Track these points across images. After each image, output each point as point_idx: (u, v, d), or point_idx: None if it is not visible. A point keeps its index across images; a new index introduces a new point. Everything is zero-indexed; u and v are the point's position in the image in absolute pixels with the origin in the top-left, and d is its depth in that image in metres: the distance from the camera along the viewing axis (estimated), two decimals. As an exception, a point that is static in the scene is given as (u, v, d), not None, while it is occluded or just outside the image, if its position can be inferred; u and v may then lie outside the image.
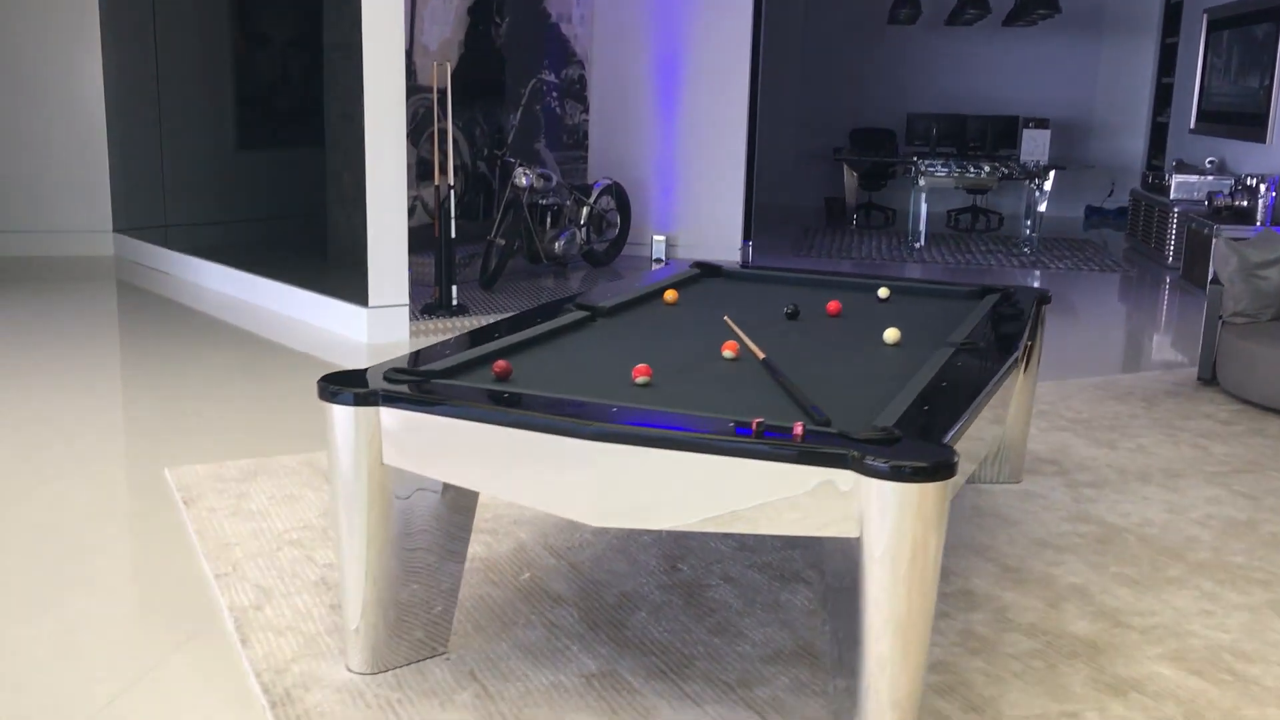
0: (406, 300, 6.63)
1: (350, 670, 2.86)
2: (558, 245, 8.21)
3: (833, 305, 3.84)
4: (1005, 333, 3.50)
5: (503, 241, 7.74)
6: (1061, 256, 10.59)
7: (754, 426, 2.41)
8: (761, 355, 3.12)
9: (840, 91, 14.18)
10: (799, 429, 2.40)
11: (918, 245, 10.76)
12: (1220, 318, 5.84)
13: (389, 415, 2.68)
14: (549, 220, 8.18)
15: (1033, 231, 10.96)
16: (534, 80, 8.92)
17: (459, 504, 2.92)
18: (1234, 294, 5.73)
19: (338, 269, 8.08)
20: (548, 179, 8.02)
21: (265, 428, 4.88)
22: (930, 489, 2.27)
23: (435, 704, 2.71)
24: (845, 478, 2.32)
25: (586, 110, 9.54)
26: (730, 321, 3.60)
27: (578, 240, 8.39)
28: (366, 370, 2.83)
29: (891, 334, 3.41)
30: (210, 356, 6.10)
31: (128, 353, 6.15)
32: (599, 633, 3.08)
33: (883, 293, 4.14)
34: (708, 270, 4.58)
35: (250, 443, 4.66)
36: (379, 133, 6.32)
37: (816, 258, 10.26)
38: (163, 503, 3.99)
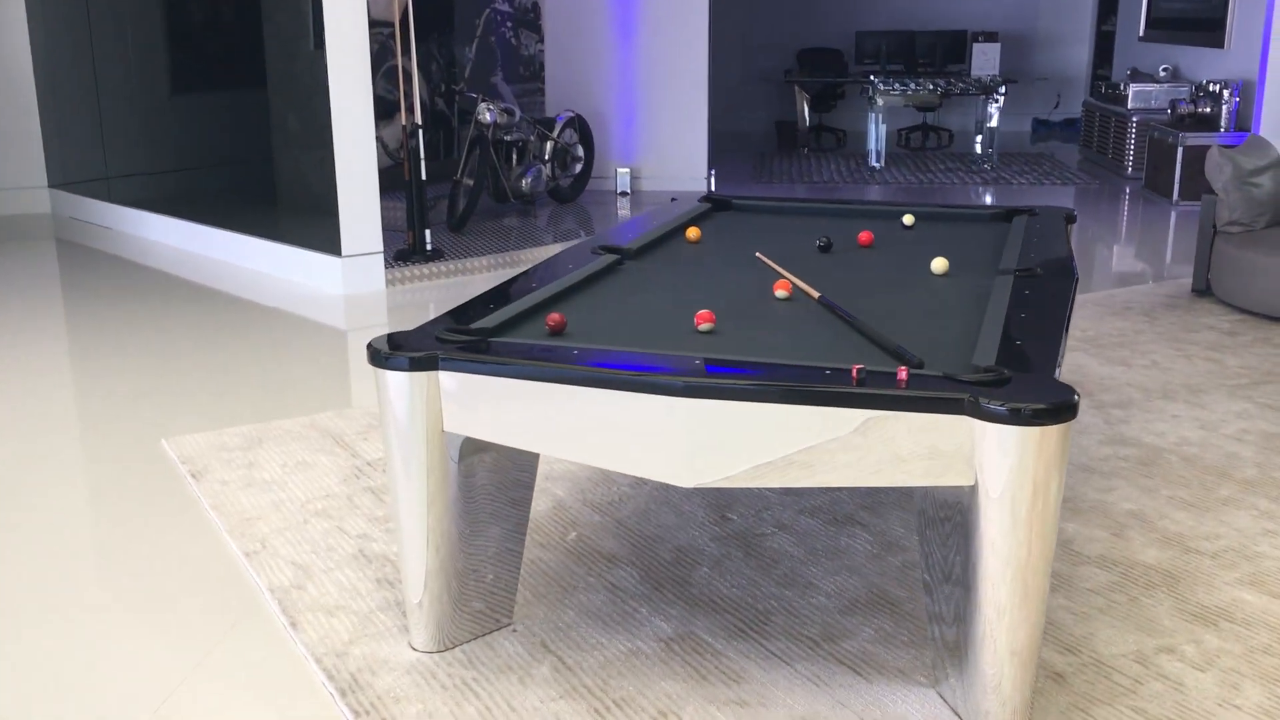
0: (381, 248, 6.37)
1: (415, 649, 2.70)
2: (525, 182, 7.96)
3: (864, 235, 3.69)
4: (1056, 256, 3.39)
5: (470, 181, 7.47)
6: (1021, 171, 10.54)
7: (854, 373, 2.27)
8: (816, 294, 2.97)
9: (787, 11, 13.92)
10: (903, 374, 2.26)
11: (876, 166, 10.64)
12: (1215, 228, 5.80)
13: (449, 379, 2.49)
14: (514, 157, 7.91)
15: (989, 147, 10.89)
16: (487, 10, 8.58)
17: (521, 466, 2.76)
18: (1229, 203, 5.69)
19: (290, 216, 7.75)
20: (511, 114, 7.74)
21: (256, 390, 4.64)
22: (1053, 431, 2.15)
23: (514, 680, 2.57)
24: (960, 424, 2.19)
25: (542, 40, 9.22)
26: (765, 258, 3.44)
27: (544, 176, 8.14)
28: (416, 331, 2.63)
29: (940, 264, 3.27)
30: (176, 317, 5.81)
31: (83, 318, 5.83)
32: (664, 592, 2.95)
33: (907, 220, 4.00)
34: (718, 203, 4.40)
35: (244, 407, 4.43)
36: (343, 70, 6.01)
37: (777, 183, 10.10)
38: (169, 477, 3.77)
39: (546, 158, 8.19)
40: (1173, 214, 8.43)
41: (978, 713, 2.34)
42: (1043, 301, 2.85)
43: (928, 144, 12.34)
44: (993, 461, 2.18)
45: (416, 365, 2.50)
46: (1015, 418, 2.14)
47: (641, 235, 3.73)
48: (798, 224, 4.05)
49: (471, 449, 2.60)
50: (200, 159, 9.38)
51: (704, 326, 2.70)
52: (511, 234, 7.65)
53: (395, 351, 2.51)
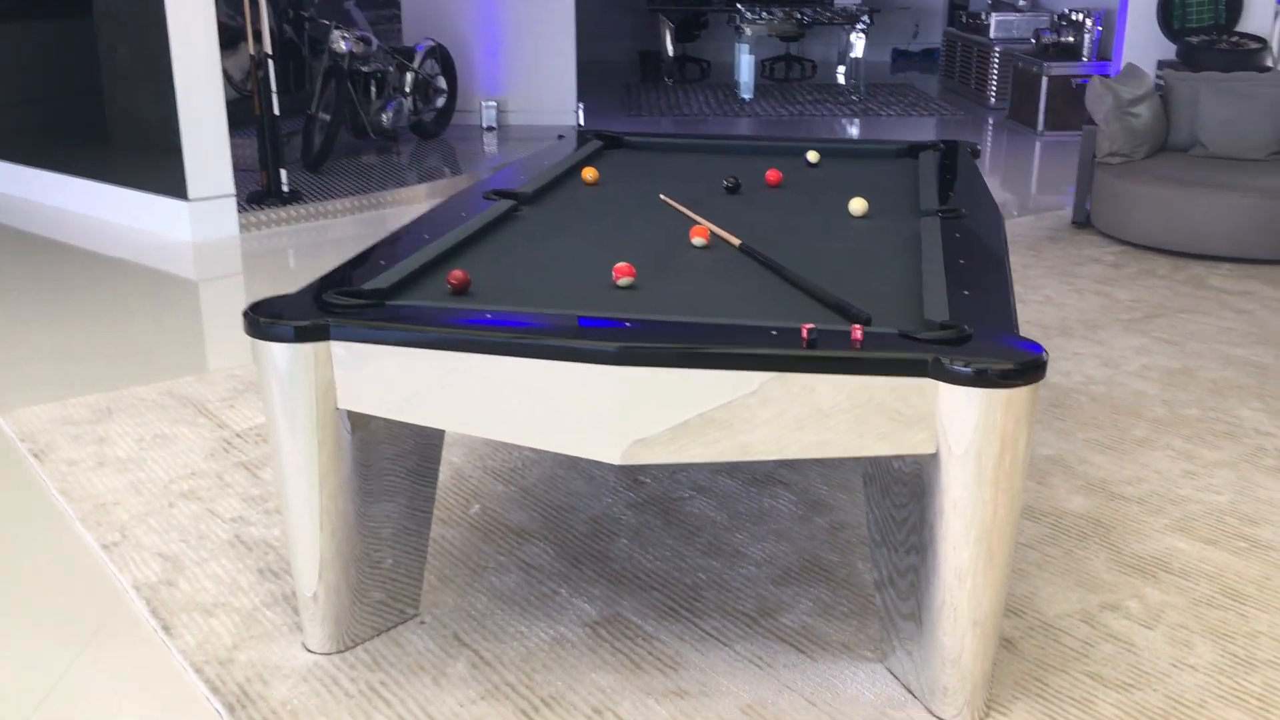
0: (233, 190, 5.89)
1: (311, 650, 2.41)
2: (385, 117, 7.49)
3: (772, 174, 3.47)
4: (976, 195, 3.23)
5: (328, 116, 6.97)
6: (887, 102, 10.50)
7: (804, 333, 2.05)
8: (737, 241, 2.74)
9: (644, -63, 13.52)
10: (858, 333, 2.06)
11: (746, 99, 10.45)
12: (1095, 158, 5.78)
13: (343, 350, 2.19)
14: (373, 90, 7.43)
15: (854, 78, 10.81)
16: (335, -69, 8.01)
17: (425, 440, 2.48)
18: (1109, 134, 5.66)
19: (127, 156, 7.14)
20: (367, 43, 7.25)
21: (102, 353, 4.20)
22: (1021, 393, 1.98)
23: (427, 681, 2.31)
24: (923, 386, 2.00)
25: (394, -36, 8.68)
26: (671, 201, 3.19)
27: (405, 110, 7.68)
28: (298, 295, 2.31)
29: (859, 204, 3.07)
30: (4, 271, 5.25)
31: (-96, 273, 5.23)
32: (583, 569, 2.71)
33: (812, 157, 3.79)
34: (609, 141, 4.12)
35: (90, 374, 3.99)
36: (182, -2, 5.46)
37: (646, 116, 9.82)
38: (6, 459, 3.35)
39: (407, 90, 7.72)
40: (1038, 144, 8.47)
41: (934, 688, 2.19)
42: (980, 247, 2.68)
43: (791, 75, 12.21)
44: (958, 425, 2.00)
45: (304, 335, 2.18)
46: (982, 379, 1.96)
47: (535, 178, 3.43)
48: (697, 163, 3.81)
49: (368, 419, 2.30)
50: (21, 93, 8.59)
51: (623, 281, 2.45)
52: (373, 173, 7.21)
53: (277, 320, 2.18)
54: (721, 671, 2.33)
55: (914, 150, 3.90)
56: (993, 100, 9.98)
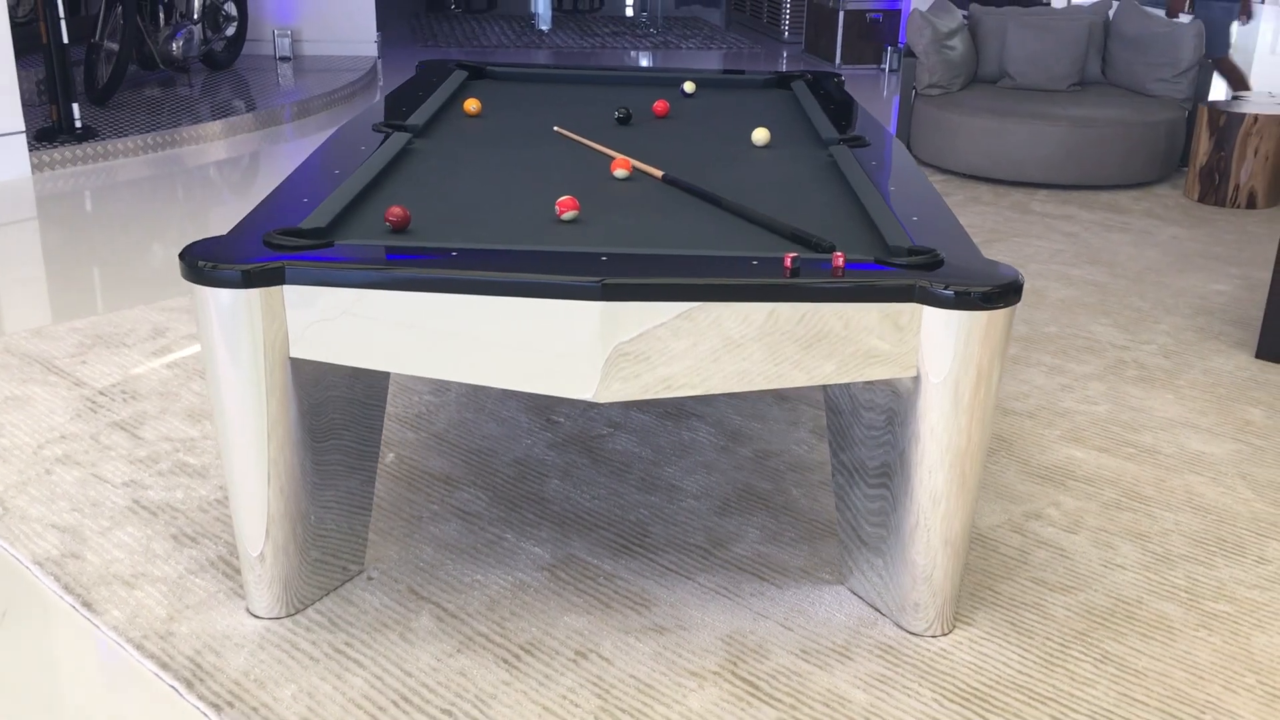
0: (22, 126, 5.35)
1: (257, 616, 2.26)
2: (175, 46, 6.96)
3: (659, 105, 3.42)
4: (866, 124, 3.29)
5: (115, 45, 6.41)
6: (684, 36, 10.56)
7: (787, 263, 2.04)
8: (659, 173, 2.70)
9: None
10: (839, 260, 2.06)
11: (544, 30, 10.29)
12: (915, 90, 5.99)
13: (299, 295, 2.03)
14: (160, 16, 6.88)
15: (643, 11, 10.82)
16: None
17: (372, 386, 2.34)
18: (928, 66, 5.88)
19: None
20: (154, -35, 6.70)
21: (-88, 309, 3.77)
22: (1000, 315, 2.04)
23: (395, 638, 2.20)
24: (909, 311, 2.03)
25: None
26: (566, 132, 3.11)
27: (195, 39, 7.16)
28: (232, 237, 2.12)
29: (761, 134, 3.07)
30: None
31: None
32: (523, 513, 2.65)
33: (689, 87, 3.76)
34: (474, 71, 3.97)
35: (-95, 332, 3.58)
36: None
37: (444, 47, 9.53)
38: None
39: (196, 17, 7.20)
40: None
41: (906, 604, 2.26)
42: (903, 173, 2.74)
43: (579, 6, 12.10)
44: (940, 348, 2.04)
45: (254, 280, 2.01)
46: (965, 302, 2.01)
47: (419, 110, 3.27)
48: (571, 93, 3.72)
49: (313, 366, 2.15)
50: None
51: (568, 215, 2.37)
52: (164, 107, 6.71)
53: (223, 263, 2.00)
54: (693, 605, 2.32)
55: (783, 81, 3.94)
56: (786, 34, 10.19)
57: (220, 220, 4.94)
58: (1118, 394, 3.36)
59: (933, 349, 2.04)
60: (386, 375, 2.39)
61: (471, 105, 3.38)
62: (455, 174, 2.70)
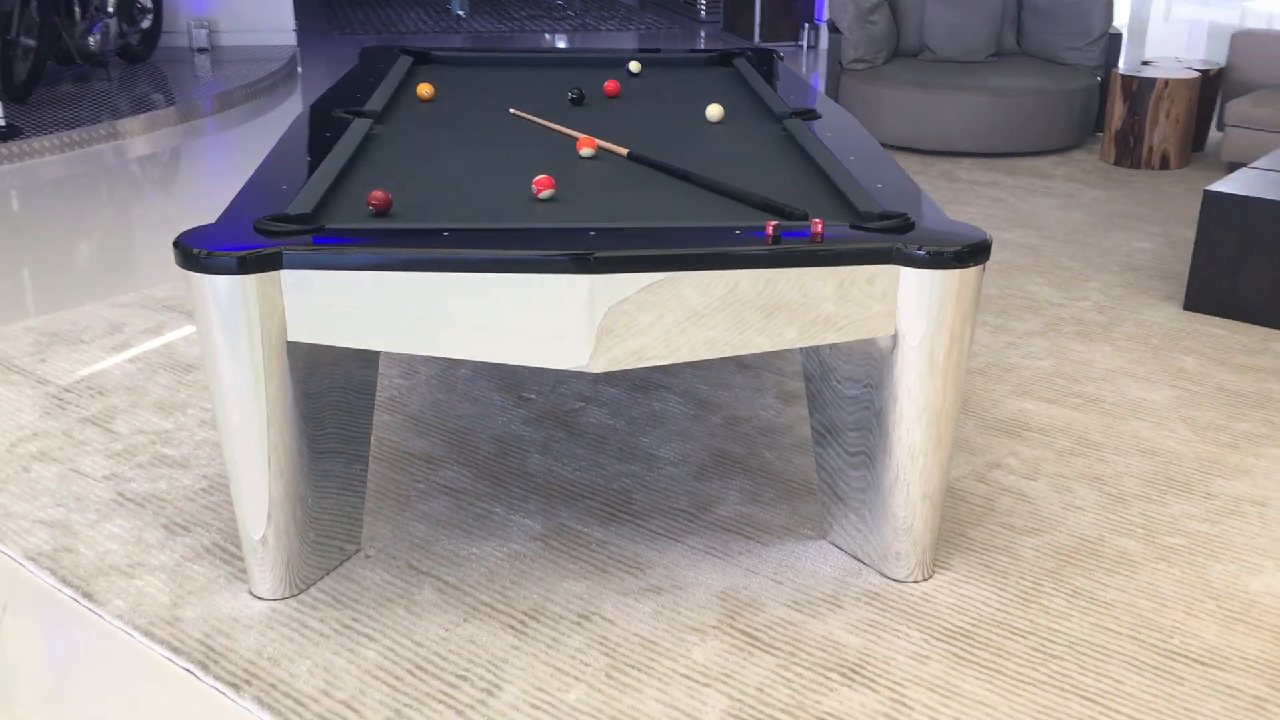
0: (-56, 125, 5.23)
1: (261, 598, 2.30)
2: (92, 40, 6.82)
3: (610, 85, 3.49)
4: (812, 97, 3.39)
5: (31, 41, 6.27)
6: (602, 17, 10.60)
7: (769, 230, 2.14)
8: (624, 151, 2.78)
9: None
10: (818, 226, 2.16)
11: (461, 14, 10.25)
12: (841, 64, 6.13)
13: (296, 279, 2.07)
14: (76, 10, 6.74)
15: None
16: None
17: (363, 368, 2.39)
18: (853, 41, 6.02)
19: None
20: (66, -42, 6.55)
21: None
22: (971, 274, 2.16)
23: (401, 611, 2.26)
24: (888, 272, 2.13)
25: None
26: (524, 114, 3.16)
27: (112, 32, 7.02)
28: (223, 226, 2.15)
29: (715, 110, 3.16)
30: None
31: None
32: (509, 487, 2.71)
33: (634, 67, 3.83)
34: (418, 57, 3.99)
35: None
36: None
37: (361, 34, 9.46)
38: None
39: (110, 10, 7.05)
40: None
41: (888, 554, 2.38)
42: (859, 143, 2.84)
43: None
44: (916, 307, 2.15)
45: (251, 265, 2.04)
46: (940, 261, 2.12)
47: (374, 96, 3.29)
48: (518, 76, 3.77)
49: (309, 348, 2.19)
50: None
51: (545, 193, 2.43)
52: (84, 103, 6.58)
53: (219, 250, 2.03)
54: (685, 566, 2.42)
55: (725, 59, 4.03)
56: (703, 13, 10.28)
57: (151, 217, 4.90)
58: (1059, 349, 3.52)
59: (910, 309, 2.15)
60: (377, 356, 2.43)
61: (425, 90, 3.41)
62: (424, 157, 2.74)
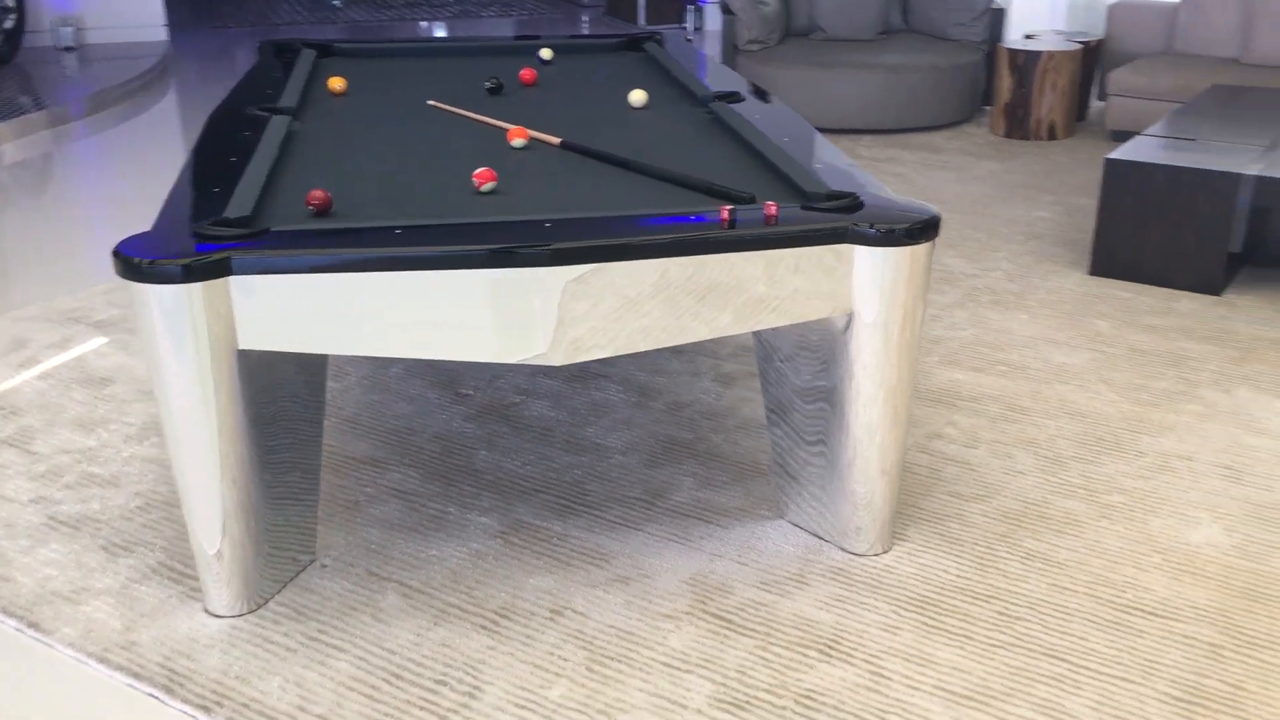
0: None
1: (219, 615, 2.22)
2: (-48, 42, 6.47)
3: (527, 73, 3.46)
4: (732, 80, 3.41)
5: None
6: (483, 3, 10.47)
7: (724, 214, 2.14)
8: (556, 140, 2.75)
9: None
10: (773, 209, 2.17)
11: (337, 4, 10.02)
12: (736, 46, 6.17)
13: (246, 285, 2.00)
14: (-68, 10, 6.39)
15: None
16: None
17: (313, 373, 2.32)
18: (747, 22, 6.06)
19: None
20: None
21: None
22: (922, 250, 2.19)
23: (367, 619, 2.21)
24: (843, 251, 2.16)
25: None
26: (442, 105, 3.11)
27: (-27, 33, 6.68)
28: (157, 234, 2.06)
29: (639, 95, 3.15)
30: None
31: None
32: (460, 486, 2.67)
33: (546, 54, 3.80)
34: (320, 50, 3.89)
35: None
36: None
37: (236, 28, 9.17)
38: None
39: (-30, 10, 6.71)
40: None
41: (848, 530, 2.41)
42: (789, 125, 2.86)
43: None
44: (871, 285, 2.18)
45: (198, 273, 1.96)
46: (893, 238, 2.15)
47: (285, 92, 3.20)
48: (430, 66, 3.70)
49: (258, 355, 2.12)
50: None
51: (487, 186, 2.39)
52: (-52, 108, 6.25)
53: (163, 259, 1.95)
54: (649, 554, 2.41)
55: (634, 43, 4.02)
56: (584, -3, 10.24)
57: (35, 226, 4.68)
58: (979, 319, 3.61)
59: (865, 287, 2.18)
60: (325, 360, 2.37)
61: (337, 84, 3.33)
62: (352, 153, 2.67)
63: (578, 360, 2.06)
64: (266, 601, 2.26)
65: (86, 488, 2.66)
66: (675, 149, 2.71)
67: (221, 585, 2.21)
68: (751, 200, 2.30)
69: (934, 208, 2.22)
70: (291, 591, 2.29)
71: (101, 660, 2.10)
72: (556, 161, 2.60)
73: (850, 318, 2.21)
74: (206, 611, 2.23)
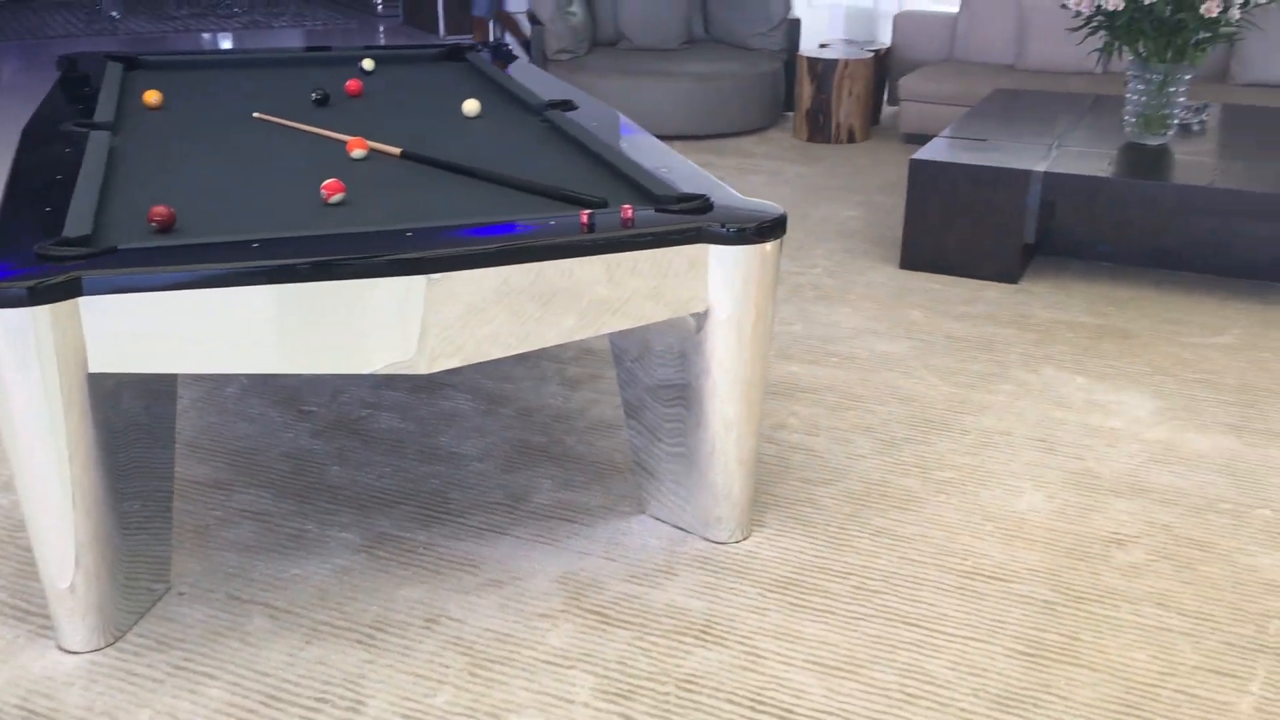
0: None
1: (72, 651, 2.12)
2: None
3: (353, 85, 3.41)
4: (560, 89, 3.46)
5: None
6: (272, 14, 10.19)
7: (584, 219, 2.19)
8: (397, 151, 2.74)
9: None
10: (629, 212, 2.23)
11: (116, 16, 9.57)
12: (545, 56, 6.22)
13: (97, 306, 1.92)
14: None
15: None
16: None
17: (162, 390, 2.24)
18: (555, 33, 6.12)
19: None
20: None
21: None
22: (771, 247, 2.29)
23: (235, 644, 2.15)
24: (698, 251, 2.24)
25: None
26: (269, 117, 3.05)
27: None
28: (3, 253, 1.97)
29: (472, 105, 3.16)
30: None
31: None
32: (315, 504, 2.62)
33: (368, 64, 3.76)
34: (128, 63, 3.74)
35: None
36: None
37: (12, 41, 8.65)
38: None
39: None
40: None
41: (709, 520, 2.49)
42: (626, 131, 2.93)
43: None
44: (724, 283, 2.26)
45: (44, 295, 1.88)
46: (744, 237, 2.24)
47: (99, 107, 3.07)
48: (247, 78, 3.61)
49: (106, 378, 2.04)
50: None
51: (336, 198, 2.37)
52: None
53: (4, 281, 1.86)
54: (517, 557, 2.43)
55: (455, 53, 4.02)
56: (380, 7, 10.11)
57: None
58: (806, 314, 3.77)
59: (719, 285, 2.26)
60: (175, 380, 2.29)
61: (152, 97, 3.21)
62: (182, 168, 2.60)
63: (448, 366, 2.07)
64: (124, 634, 2.18)
65: (-95, 531, 2.49)
66: (517, 157, 2.74)
67: (76, 619, 2.11)
68: (604, 204, 2.36)
69: (780, 207, 2.33)
70: (149, 622, 2.21)
71: (-51, 709, 1.98)
72: (400, 172, 2.59)
73: (705, 314, 2.29)
74: (60, 648, 2.12)
